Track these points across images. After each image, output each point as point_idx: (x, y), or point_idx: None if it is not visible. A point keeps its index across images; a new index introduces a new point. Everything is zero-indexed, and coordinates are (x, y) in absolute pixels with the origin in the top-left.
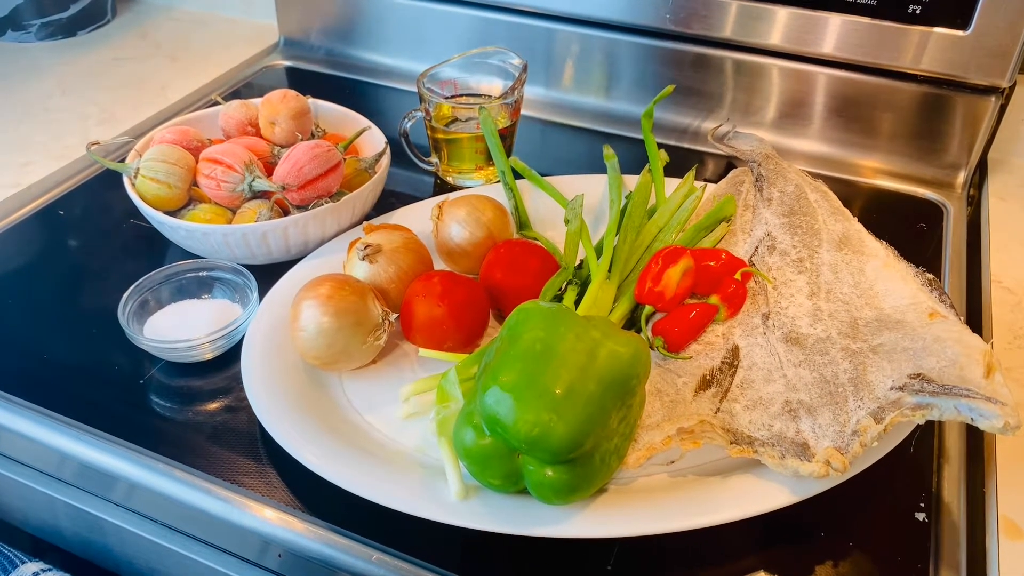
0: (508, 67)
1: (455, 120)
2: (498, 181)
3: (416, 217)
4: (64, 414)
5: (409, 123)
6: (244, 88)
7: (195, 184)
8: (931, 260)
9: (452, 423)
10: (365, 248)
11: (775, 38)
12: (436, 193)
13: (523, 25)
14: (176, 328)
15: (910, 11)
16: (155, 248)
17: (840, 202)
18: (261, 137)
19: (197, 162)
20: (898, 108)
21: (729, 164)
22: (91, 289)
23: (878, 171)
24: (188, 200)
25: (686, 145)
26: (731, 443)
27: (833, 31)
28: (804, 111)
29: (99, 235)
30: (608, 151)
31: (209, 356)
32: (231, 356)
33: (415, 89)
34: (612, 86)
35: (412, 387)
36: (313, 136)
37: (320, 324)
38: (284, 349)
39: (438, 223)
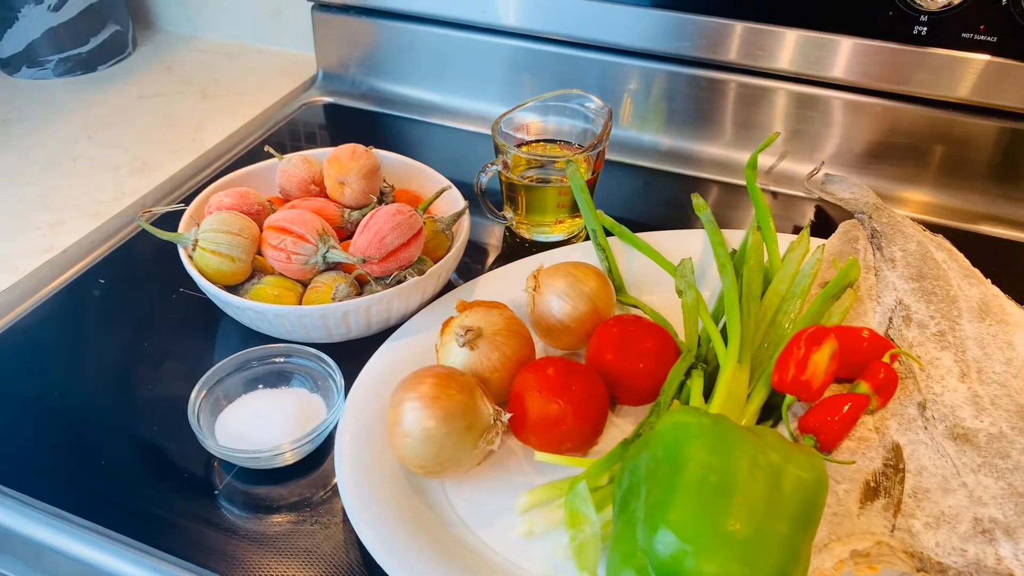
0: (587, 111)
1: (528, 168)
2: (581, 238)
3: (503, 285)
4: (126, 534)
5: (486, 177)
6: (286, 127)
7: (258, 253)
8: None
9: (591, 551)
10: (465, 333)
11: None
12: (508, 248)
13: (572, 57)
14: (252, 427)
15: None
16: (213, 322)
17: (968, 261)
18: (327, 197)
19: (261, 230)
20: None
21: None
22: (145, 376)
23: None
24: (251, 272)
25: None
26: (918, 571)
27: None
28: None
29: (147, 308)
30: (699, 201)
31: (292, 461)
32: (315, 456)
33: (462, 126)
34: (668, 119)
35: (529, 498)
36: (383, 195)
37: (427, 430)
38: (379, 451)
39: (534, 295)
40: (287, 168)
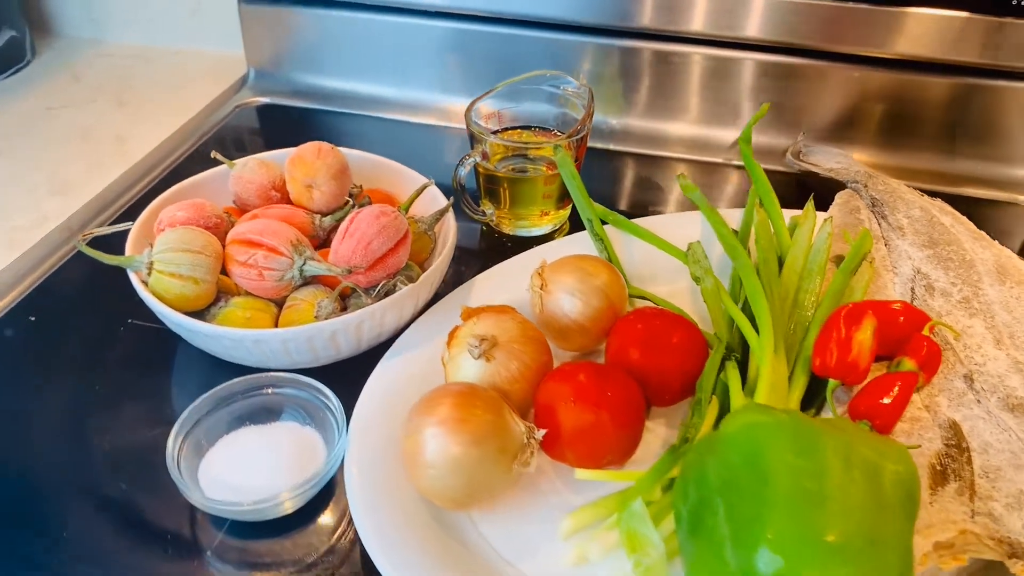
0: (563, 93)
1: (504, 158)
2: (564, 231)
3: (497, 287)
4: None
5: (465, 170)
6: (220, 132)
7: (222, 272)
8: None
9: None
10: (479, 343)
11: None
12: (489, 246)
13: (505, 35)
14: (242, 473)
15: None
16: (172, 355)
17: (972, 223)
18: (291, 203)
19: (223, 245)
20: None
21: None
22: (103, 425)
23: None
24: (216, 295)
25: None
26: (1010, 556)
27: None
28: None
29: (92, 346)
30: (686, 181)
31: (292, 509)
32: (319, 499)
33: (410, 119)
34: (625, 98)
35: (573, 522)
36: (352, 196)
37: (454, 458)
38: (396, 488)
39: (542, 295)
40: (243, 174)
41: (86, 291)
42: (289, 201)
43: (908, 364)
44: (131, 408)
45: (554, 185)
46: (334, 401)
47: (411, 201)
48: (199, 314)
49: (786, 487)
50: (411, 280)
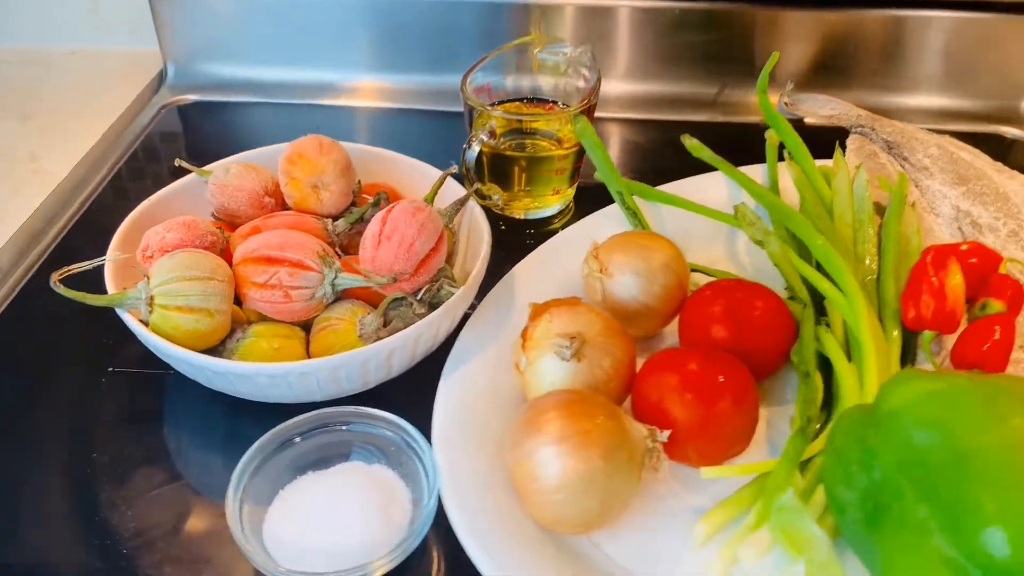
0: (558, 58)
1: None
2: (571, 211)
3: (541, 277)
4: None
5: (473, 153)
6: (150, 140)
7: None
8: None
9: (833, 572)
10: (570, 342)
11: None
12: (499, 235)
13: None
14: (317, 531)
15: None
16: (174, 402)
17: (987, 155)
18: (291, 209)
19: (232, 266)
20: None
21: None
22: (116, 498)
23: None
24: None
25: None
26: None
27: None
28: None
29: (73, 407)
30: (692, 142)
31: (386, 570)
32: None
33: (357, 103)
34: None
35: (707, 525)
36: (354, 194)
37: (583, 478)
38: (506, 521)
39: (603, 279)
40: (227, 182)
41: (43, 344)
42: (284, 206)
43: (996, 305)
44: (144, 475)
45: (568, 160)
46: (416, 436)
47: (434, 192)
48: (215, 351)
49: (996, 459)
50: (450, 281)
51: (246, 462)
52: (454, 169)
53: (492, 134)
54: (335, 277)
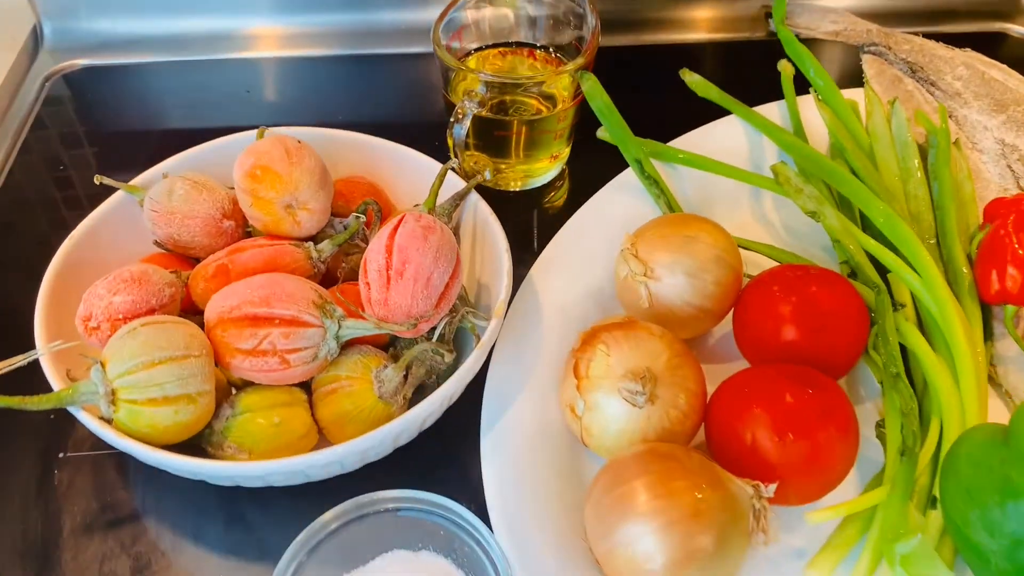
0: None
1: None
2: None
3: (567, 281)
4: None
5: (464, 127)
6: (45, 124)
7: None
8: None
9: None
10: (642, 384)
11: None
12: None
13: None
14: None
15: None
16: (148, 483)
17: (1015, 72)
18: (254, 231)
19: (207, 331)
20: None
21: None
22: None
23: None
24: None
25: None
26: None
27: None
28: None
29: (24, 507)
30: (693, 77)
31: None
32: None
33: (265, 53)
34: None
35: (816, 569)
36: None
37: (696, 562)
38: None
39: (648, 283)
40: (173, 207)
41: None
42: (245, 224)
43: None
44: None
45: (567, 121)
46: (477, 526)
47: (434, 195)
48: (201, 437)
49: None
50: (472, 310)
51: (282, 569)
52: (455, 163)
53: (481, 102)
54: (340, 329)
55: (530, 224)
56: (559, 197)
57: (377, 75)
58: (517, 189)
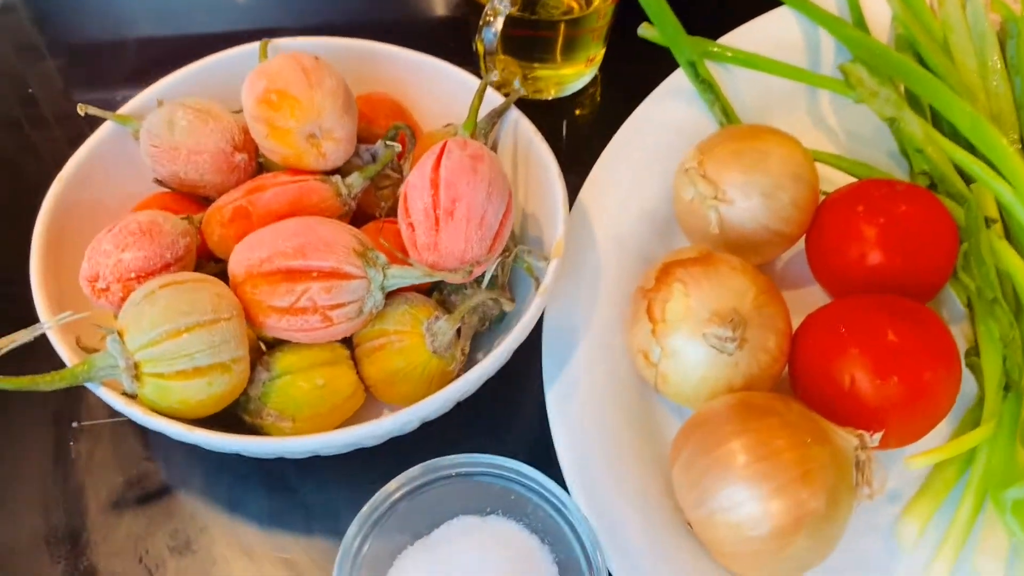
0: None
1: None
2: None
3: (620, 204)
4: None
5: (494, 30)
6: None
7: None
8: None
9: None
10: (731, 328)
11: None
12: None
13: None
14: None
15: None
16: (179, 450)
17: None
18: (270, 166)
19: (234, 288)
20: None
21: None
22: None
23: None
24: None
25: None
26: None
27: None
28: None
29: (40, 484)
30: None
31: None
32: None
33: None
34: None
35: (913, 518)
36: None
37: (807, 527)
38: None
39: (719, 206)
40: (176, 142)
41: None
42: (257, 165)
43: None
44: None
45: (606, 18)
46: (555, 490)
47: (475, 115)
48: (237, 406)
49: None
50: (527, 249)
51: (348, 544)
52: (495, 76)
53: (513, 1)
54: (385, 279)
55: (571, 135)
56: (594, 105)
57: None
58: (552, 97)
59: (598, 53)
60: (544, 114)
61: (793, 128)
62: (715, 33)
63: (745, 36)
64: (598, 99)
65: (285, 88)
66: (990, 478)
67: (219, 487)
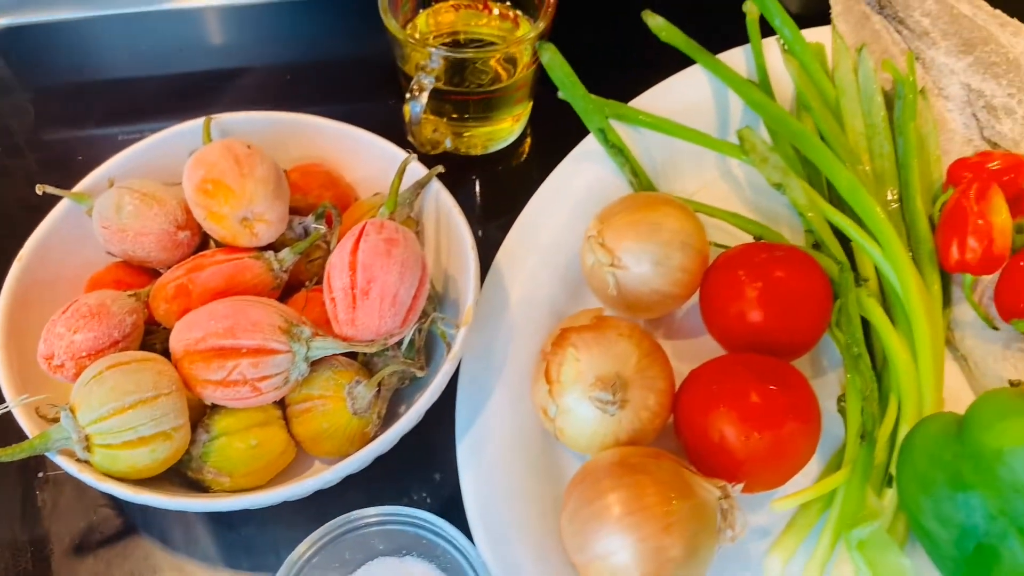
0: None
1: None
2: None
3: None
4: None
5: (420, 104)
6: None
7: None
8: None
9: None
10: (612, 392)
11: None
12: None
13: None
14: None
15: None
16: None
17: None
18: (218, 249)
19: (175, 361)
20: None
21: None
22: None
23: None
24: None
25: None
26: None
27: None
28: None
29: (6, 533)
30: (657, 21)
31: None
32: None
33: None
34: None
35: (779, 552)
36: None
37: (668, 570)
38: None
39: (616, 271)
40: (126, 224)
41: None
42: (202, 235)
43: None
44: None
45: (528, 85)
46: (454, 534)
47: (395, 192)
48: (178, 467)
49: None
50: (442, 316)
51: None
52: (414, 157)
53: (437, 76)
54: (309, 351)
55: (496, 189)
56: (523, 158)
57: (322, 17)
58: (480, 154)
59: (524, 110)
60: (475, 168)
61: (702, 181)
62: (639, 86)
63: (662, 93)
64: (527, 152)
65: (220, 178)
66: (844, 519)
67: (171, 531)
